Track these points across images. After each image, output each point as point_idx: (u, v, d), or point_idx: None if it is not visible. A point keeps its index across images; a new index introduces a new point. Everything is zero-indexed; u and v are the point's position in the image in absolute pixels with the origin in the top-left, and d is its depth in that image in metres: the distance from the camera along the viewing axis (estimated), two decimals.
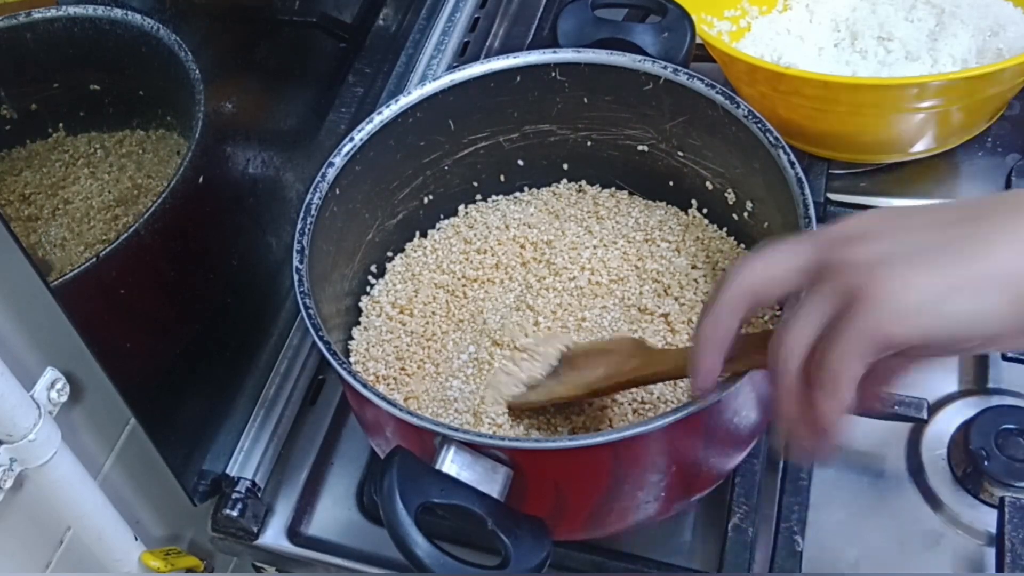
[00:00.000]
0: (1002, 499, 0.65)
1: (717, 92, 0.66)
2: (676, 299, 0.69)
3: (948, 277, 0.39)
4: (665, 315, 0.68)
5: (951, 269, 0.39)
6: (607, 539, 0.66)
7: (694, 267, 0.71)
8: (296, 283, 0.60)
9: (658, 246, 0.73)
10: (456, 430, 0.54)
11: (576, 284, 0.71)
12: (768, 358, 0.44)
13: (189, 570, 0.71)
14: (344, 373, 0.56)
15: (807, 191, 0.60)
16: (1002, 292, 0.39)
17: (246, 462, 0.72)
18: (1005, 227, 0.40)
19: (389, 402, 0.55)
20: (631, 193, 0.77)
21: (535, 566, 0.51)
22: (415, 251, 0.76)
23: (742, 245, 0.72)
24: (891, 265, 0.40)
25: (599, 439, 0.53)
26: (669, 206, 0.76)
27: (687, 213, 0.75)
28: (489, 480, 0.53)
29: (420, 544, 0.50)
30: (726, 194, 0.71)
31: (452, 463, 0.53)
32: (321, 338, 0.58)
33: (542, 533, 0.53)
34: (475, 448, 0.53)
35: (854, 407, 0.42)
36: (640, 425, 0.52)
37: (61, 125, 0.67)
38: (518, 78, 0.71)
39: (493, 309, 0.71)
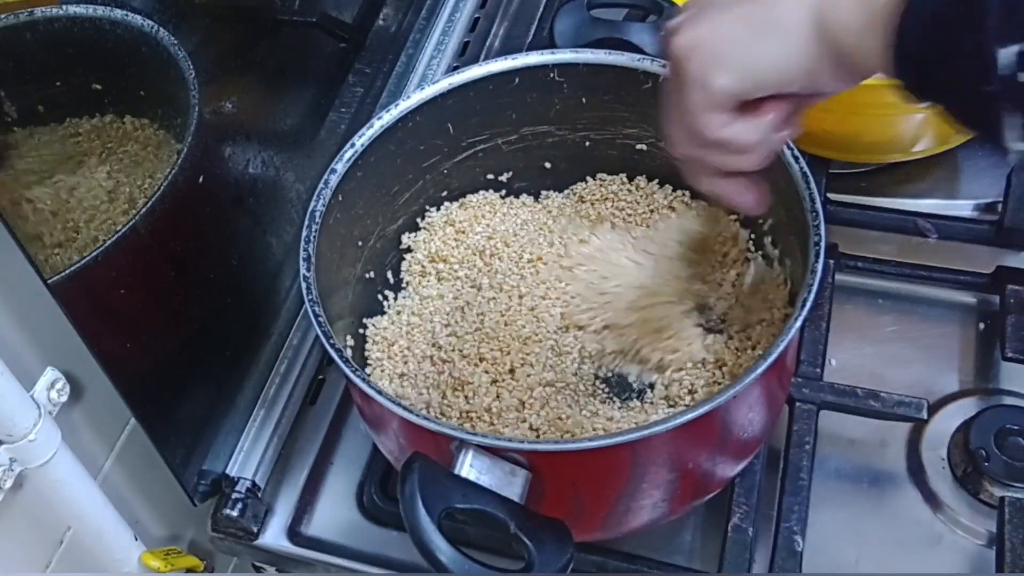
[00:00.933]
0: (1002, 499, 0.65)
1: None
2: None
3: (748, 24, 0.44)
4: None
5: (755, 18, 0.44)
6: (607, 539, 0.66)
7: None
8: (304, 291, 0.60)
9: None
10: (474, 434, 0.54)
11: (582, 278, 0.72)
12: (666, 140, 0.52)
13: (189, 570, 0.71)
14: (358, 380, 0.56)
15: (812, 184, 0.60)
16: (799, 27, 0.43)
17: (246, 462, 0.72)
18: None
19: (406, 408, 0.55)
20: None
21: (560, 568, 0.51)
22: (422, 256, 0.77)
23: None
24: (701, 33, 0.45)
25: (618, 439, 0.53)
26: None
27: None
28: (508, 483, 0.53)
29: (444, 550, 0.50)
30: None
31: (471, 467, 0.53)
32: (332, 346, 0.58)
33: (564, 535, 0.53)
34: (493, 451, 0.53)
35: (760, 156, 0.50)
36: (657, 424, 0.52)
37: (61, 125, 0.67)
38: (516, 80, 0.71)
39: (501, 310, 0.71)
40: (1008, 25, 0.36)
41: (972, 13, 0.37)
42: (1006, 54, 0.36)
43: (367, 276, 0.73)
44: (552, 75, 0.71)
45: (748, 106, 0.47)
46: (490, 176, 0.77)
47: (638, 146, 0.74)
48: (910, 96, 0.42)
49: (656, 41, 0.50)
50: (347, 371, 0.57)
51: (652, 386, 0.69)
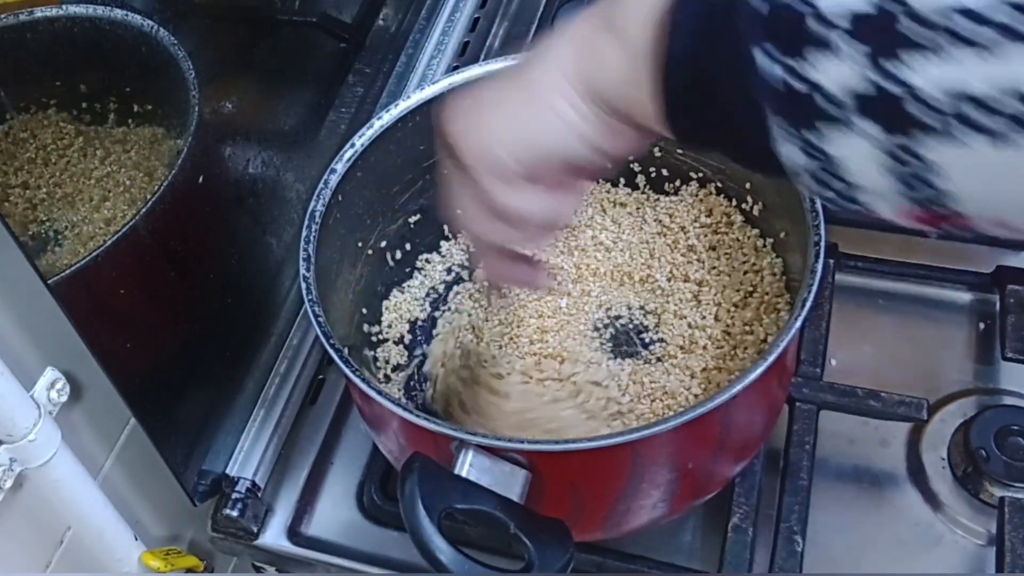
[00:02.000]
0: (1002, 499, 0.64)
1: None
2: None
3: (517, 101, 0.44)
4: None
5: (515, 93, 0.44)
6: (607, 539, 0.66)
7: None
8: (304, 292, 0.60)
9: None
10: (474, 434, 0.54)
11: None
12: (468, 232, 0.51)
13: (189, 570, 0.71)
14: (358, 380, 0.56)
15: None
16: (564, 96, 0.42)
17: (246, 462, 0.72)
18: (548, 53, 0.43)
19: (406, 408, 0.55)
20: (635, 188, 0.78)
21: (559, 568, 0.51)
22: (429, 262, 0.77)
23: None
24: (476, 118, 0.45)
25: (618, 439, 0.53)
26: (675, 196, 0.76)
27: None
28: (508, 483, 0.53)
29: (444, 550, 0.50)
30: (730, 192, 0.71)
31: (471, 467, 0.53)
32: (332, 346, 0.58)
33: (564, 535, 0.53)
34: (493, 451, 0.53)
35: (546, 229, 0.49)
36: (657, 424, 0.52)
37: (62, 124, 0.67)
38: None
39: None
40: (760, 28, 0.34)
41: (724, 31, 0.35)
42: (761, 57, 0.33)
43: (367, 276, 0.73)
44: None
45: (533, 178, 0.46)
46: None
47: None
48: (687, 144, 0.41)
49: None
50: (347, 371, 0.57)
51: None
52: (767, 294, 0.69)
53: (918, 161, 0.32)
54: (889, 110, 0.32)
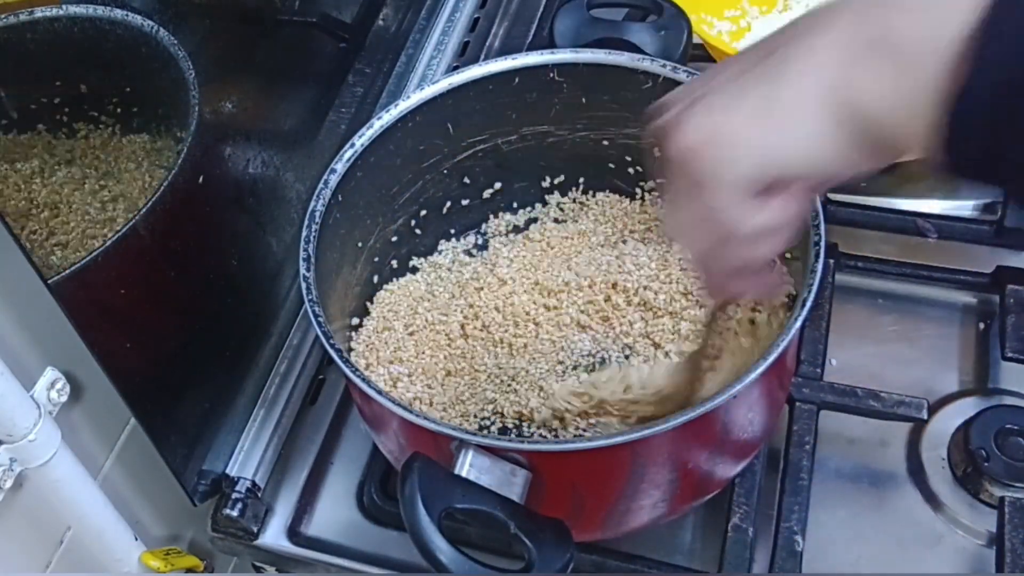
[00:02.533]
0: (1002, 499, 0.65)
1: None
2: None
3: (757, 110, 0.39)
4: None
5: (764, 105, 0.39)
6: (607, 539, 0.66)
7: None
8: (304, 291, 0.60)
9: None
10: (474, 434, 0.54)
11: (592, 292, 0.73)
12: (693, 263, 0.48)
13: (189, 570, 0.71)
14: (358, 380, 0.56)
15: None
16: (820, 109, 0.38)
17: (246, 462, 0.72)
18: (800, 48, 0.39)
19: (406, 408, 0.55)
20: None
21: (560, 568, 0.51)
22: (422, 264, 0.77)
23: None
24: (706, 126, 0.40)
25: (618, 439, 0.53)
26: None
27: None
28: (508, 483, 0.53)
29: (444, 550, 0.50)
30: None
31: (471, 467, 0.53)
32: (333, 346, 0.58)
33: (564, 535, 0.53)
34: (493, 451, 0.53)
35: (786, 237, 0.44)
36: (657, 424, 0.52)
37: (62, 124, 0.67)
38: (516, 80, 0.71)
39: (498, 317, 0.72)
40: None
41: None
42: None
43: (367, 276, 0.73)
44: (552, 75, 0.71)
45: (769, 190, 0.42)
46: (489, 177, 0.77)
47: (637, 146, 0.74)
48: (959, 176, 0.38)
49: (650, 135, 0.44)
50: (347, 371, 0.57)
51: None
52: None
53: None
54: None
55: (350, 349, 0.70)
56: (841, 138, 0.39)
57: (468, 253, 0.78)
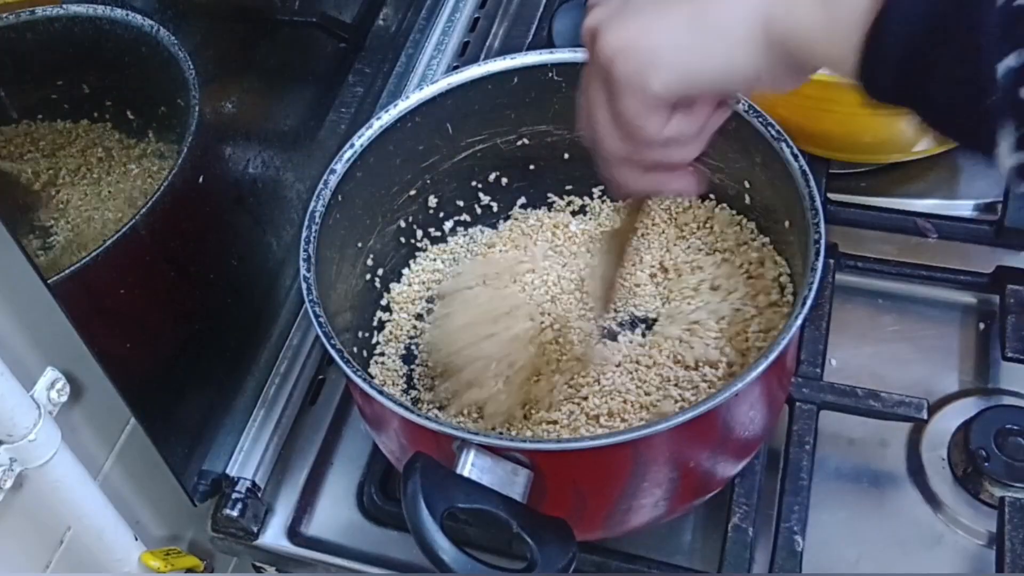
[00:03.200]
0: (1002, 499, 0.65)
1: None
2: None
3: (684, 24, 0.41)
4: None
5: (691, 20, 0.41)
6: (607, 538, 0.66)
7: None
8: (305, 292, 0.60)
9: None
10: (476, 434, 0.54)
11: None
12: (599, 159, 0.48)
13: (189, 570, 0.71)
14: (359, 380, 0.56)
15: (812, 182, 0.60)
16: (746, 32, 0.40)
17: (246, 462, 0.72)
18: None
19: (407, 408, 0.55)
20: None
21: (562, 567, 0.51)
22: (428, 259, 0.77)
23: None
24: (632, 32, 0.42)
25: (620, 438, 0.53)
26: None
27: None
28: (510, 483, 0.53)
29: (447, 550, 0.50)
30: (728, 190, 0.71)
31: (473, 467, 0.53)
32: (334, 346, 0.58)
33: (566, 534, 0.53)
34: (495, 451, 0.53)
35: (700, 143, 0.47)
36: (658, 423, 0.52)
37: (61, 124, 0.67)
38: (515, 80, 0.71)
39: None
40: (1007, 38, 0.34)
41: (966, 25, 0.34)
42: (1003, 68, 0.33)
43: (367, 276, 0.73)
44: (551, 75, 0.71)
45: (684, 100, 0.44)
46: (488, 176, 0.77)
47: None
48: (873, 101, 0.40)
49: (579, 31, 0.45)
50: (348, 371, 0.57)
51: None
52: (767, 293, 0.69)
53: None
54: None
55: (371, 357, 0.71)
56: (764, 59, 0.41)
57: (467, 253, 0.78)
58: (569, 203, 0.79)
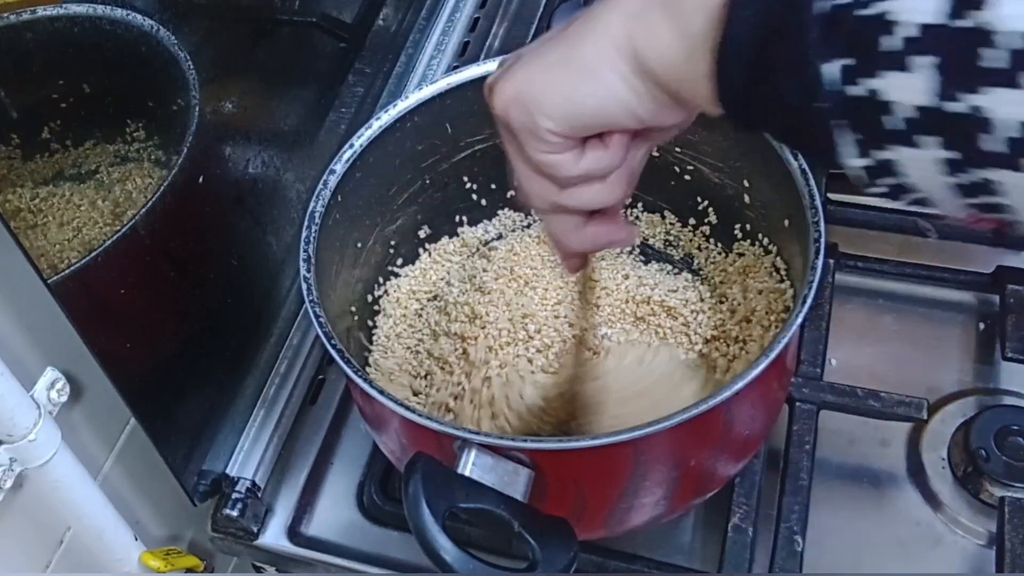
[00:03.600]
0: (1002, 499, 0.65)
1: None
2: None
3: (558, 66, 0.43)
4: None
5: (562, 61, 0.43)
6: (607, 539, 0.66)
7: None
8: (305, 292, 0.60)
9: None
10: (477, 433, 0.54)
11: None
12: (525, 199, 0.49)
13: (189, 570, 0.71)
14: (360, 381, 0.56)
15: (811, 181, 0.60)
16: (612, 62, 0.42)
17: (246, 462, 0.72)
18: (595, 12, 0.43)
19: (408, 408, 0.55)
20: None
21: (563, 567, 0.51)
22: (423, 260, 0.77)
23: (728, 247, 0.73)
24: (516, 83, 0.44)
25: (621, 437, 0.53)
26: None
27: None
28: (511, 482, 0.53)
29: (449, 550, 0.49)
30: (728, 190, 0.71)
31: (474, 466, 0.53)
32: (335, 347, 0.58)
33: (568, 533, 0.53)
34: (496, 450, 0.53)
35: (623, 183, 0.47)
36: (660, 422, 0.52)
37: (62, 124, 0.67)
38: None
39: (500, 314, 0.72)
40: (829, 39, 0.34)
41: (790, 29, 0.35)
42: (830, 69, 0.34)
43: (367, 276, 0.73)
44: None
45: (593, 138, 0.45)
46: (487, 176, 0.77)
47: None
48: (738, 128, 0.41)
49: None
50: (349, 372, 0.57)
51: None
52: (766, 292, 0.69)
53: (981, 178, 0.33)
54: (957, 132, 0.32)
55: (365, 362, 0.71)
56: (638, 88, 0.42)
57: (466, 253, 0.78)
58: None
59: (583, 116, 0.43)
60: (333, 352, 0.57)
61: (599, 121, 0.43)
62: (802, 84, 0.35)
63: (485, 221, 0.80)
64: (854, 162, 0.36)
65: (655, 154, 0.73)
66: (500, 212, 0.80)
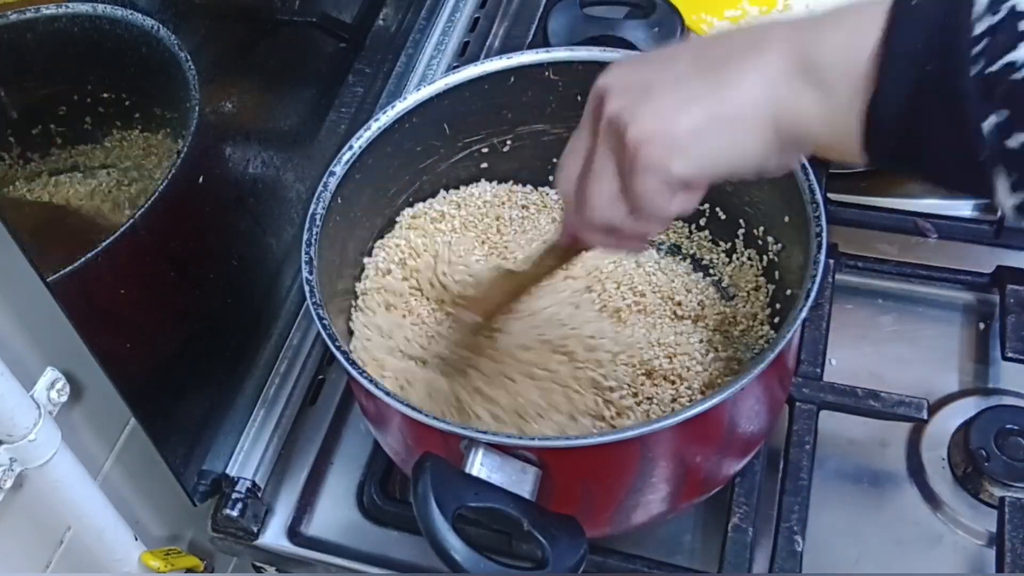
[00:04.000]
0: (1002, 499, 0.65)
1: None
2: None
3: (706, 113, 0.44)
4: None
5: (708, 114, 0.44)
6: (607, 538, 0.66)
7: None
8: (308, 294, 0.60)
9: None
10: (484, 432, 0.54)
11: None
12: (579, 218, 0.50)
13: (189, 570, 0.71)
14: (365, 382, 0.56)
15: (812, 176, 0.60)
16: (758, 126, 0.44)
17: (246, 462, 0.72)
18: (745, 62, 0.44)
19: (415, 409, 0.55)
20: None
21: (573, 565, 0.51)
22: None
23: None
24: (658, 121, 0.45)
25: (627, 434, 0.53)
26: None
27: None
28: (519, 481, 0.53)
29: (459, 549, 0.50)
30: (726, 187, 0.71)
31: (482, 466, 0.53)
32: (338, 348, 0.58)
33: (576, 531, 0.53)
34: (503, 449, 0.53)
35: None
36: (665, 419, 0.53)
37: (62, 124, 0.67)
38: (512, 79, 0.71)
39: None
40: (988, 100, 0.38)
41: (948, 93, 0.39)
42: (988, 126, 0.38)
43: (366, 276, 0.73)
44: (548, 73, 0.71)
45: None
46: (486, 176, 0.78)
47: None
48: (883, 167, 0.44)
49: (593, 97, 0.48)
50: (354, 372, 0.57)
51: None
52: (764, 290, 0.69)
53: None
54: None
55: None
56: (773, 148, 0.44)
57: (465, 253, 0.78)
58: None
59: (717, 169, 0.45)
60: (339, 355, 0.57)
61: (727, 173, 0.45)
62: (960, 139, 0.39)
63: (485, 220, 0.79)
64: (1009, 200, 0.40)
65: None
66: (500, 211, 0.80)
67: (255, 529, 0.71)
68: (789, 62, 0.43)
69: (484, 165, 0.77)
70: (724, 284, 0.73)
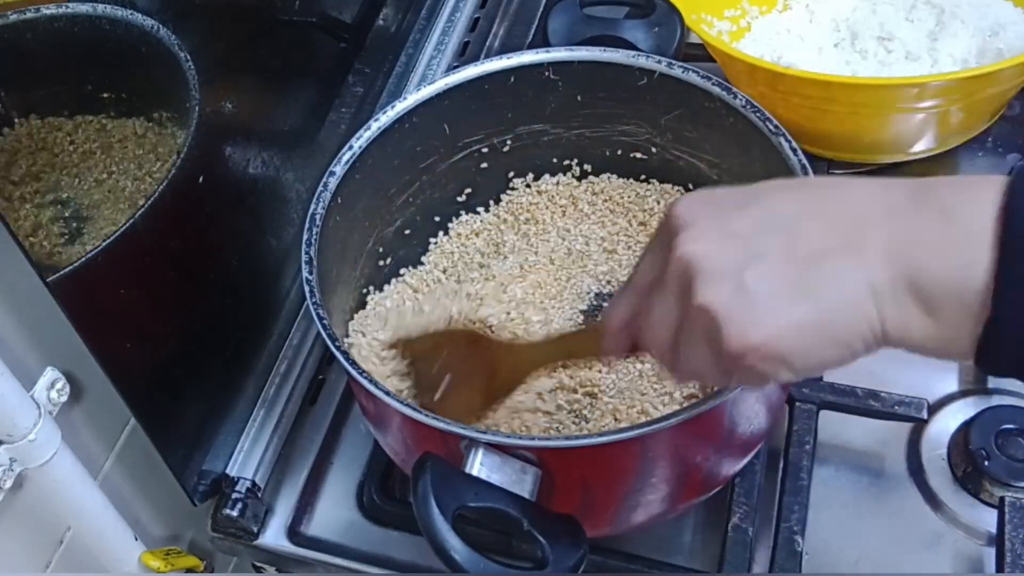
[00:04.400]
0: (1002, 499, 0.64)
1: (713, 84, 0.67)
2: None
3: (816, 330, 0.42)
4: None
5: (817, 326, 0.42)
6: (607, 539, 0.66)
7: None
8: (308, 294, 0.60)
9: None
10: (484, 432, 0.54)
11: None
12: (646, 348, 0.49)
13: (189, 570, 0.71)
14: (365, 382, 0.56)
15: (811, 175, 0.60)
16: (861, 331, 0.42)
17: (246, 462, 0.72)
18: (845, 259, 0.42)
19: (415, 408, 0.55)
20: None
21: (573, 565, 0.51)
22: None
23: None
24: (771, 331, 0.42)
25: (628, 434, 0.53)
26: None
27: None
28: (519, 481, 0.53)
29: (459, 550, 0.49)
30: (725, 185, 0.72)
31: (482, 466, 0.53)
32: (339, 348, 0.58)
33: (577, 531, 0.53)
34: (503, 449, 0.53)
35: None
36: (666, 419, 0.53)
37: (61, 124, 0.67)
38: (512, 79, 0.71)
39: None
40: None
41: None
42: None
43: (367, 276, 0.73)
44: (547, 73, 0.71)
45: None
46: (485, 176, 0.78)
47: (634, 143, 0.74)
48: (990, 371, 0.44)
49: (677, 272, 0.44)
50: (354, 372, 0.57)
51: None
52: None
53: None
54: None
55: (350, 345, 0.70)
56: (873, 348, 0.44)
57: (465, 253, 0.78)
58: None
59: (816, 372, 0.46)
60: (339, 355, 0.57)
61: (837, 361, 0.44)
62: None
63: (484, 220, 0.80)
64: None
65: (653, 150, 0.74)
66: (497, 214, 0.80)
67: (255, 529, 0.71)
68: (893, 274, 0.41)
69: (484, 165, 0.77)
70: None
